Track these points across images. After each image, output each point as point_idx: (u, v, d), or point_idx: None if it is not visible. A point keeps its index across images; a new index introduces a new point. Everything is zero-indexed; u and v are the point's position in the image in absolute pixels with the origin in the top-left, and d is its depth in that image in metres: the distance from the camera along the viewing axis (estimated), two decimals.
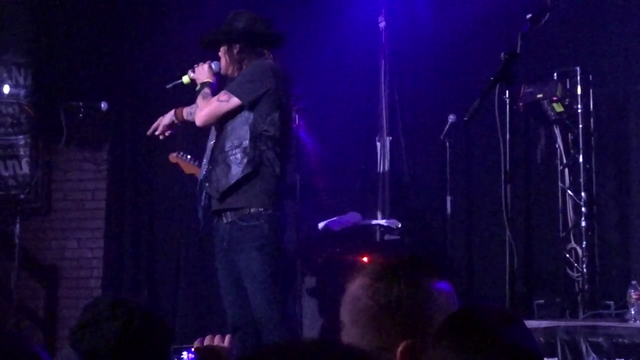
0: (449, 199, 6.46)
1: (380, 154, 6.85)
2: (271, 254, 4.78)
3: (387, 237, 6.37)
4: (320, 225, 6.32)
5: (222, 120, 4.95)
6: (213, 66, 5.10)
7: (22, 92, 7.76)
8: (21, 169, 7.73)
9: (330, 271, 6.14)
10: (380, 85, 6.87)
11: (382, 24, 6.87)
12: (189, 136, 6.37)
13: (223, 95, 4.94)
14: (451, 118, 6.42)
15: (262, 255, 4.76)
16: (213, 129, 5.09)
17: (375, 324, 1.89)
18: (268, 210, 4.81)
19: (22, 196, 7.20)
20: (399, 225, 6.41)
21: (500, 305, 5.85)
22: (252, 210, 4.81)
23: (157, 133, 5.27)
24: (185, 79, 5.20)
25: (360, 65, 7.03)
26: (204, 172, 5.02)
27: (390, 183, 6.82)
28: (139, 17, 7.51)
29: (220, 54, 5.07)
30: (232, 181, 4.82)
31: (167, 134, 5.28)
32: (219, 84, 5.10)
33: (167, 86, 5.32)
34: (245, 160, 4.82)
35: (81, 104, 6.43)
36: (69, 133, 6.64)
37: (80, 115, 6.44)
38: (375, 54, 6.89)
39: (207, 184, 4.96)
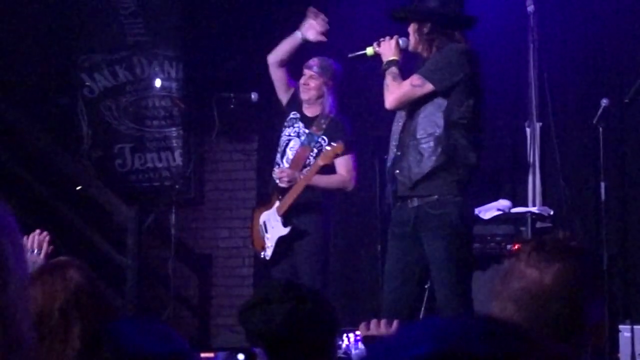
0: (603, 185, 6.27)
1: (530, 140, 6.73)
2: (458, 242, 4.69)
3: (538, 224, 6.24)
4: None
5: (413, 105, 4.81)
6: (400, 42, 4.92)
7: (174, 85, 7.96)
8: (174, 160, 7.93)
9: (481, 259, 6.06)
10: (529, 70, 6.74)
11: (530, 8, 6.73)
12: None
13: (417, 79, 4.78)
14: (604, 102, 6.23)
15: (449, 243, 4.68)
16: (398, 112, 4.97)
17: (536, 301, 1.87)
18: (457, 197, 4.71)
19: (177, 187, 7.38)
20: (551, 213, 6.28)
21: None
22: (441, 197, 4.72)
23: None
24: (370, 50, 5.01)
25: (509, 50, 6.92)
26: (392, 157, 4.92)
27: (541, 169, 6.70)
28: (290, 3, 7.54)
29: (410, 30, 4.89)
30: (426, 171, 4.71)
31: None
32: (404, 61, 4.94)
33: (350, 55, 5.20)
34: (439, 150, 4.69)
35: (232, 95, 6.53)
36: (220, 124, 6.76)
37: (232, 106, 6.54)
38: (524, 38, 6.76)
39: (397, 171, 4.84)
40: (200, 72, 7.83)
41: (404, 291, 4.80)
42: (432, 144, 4.72)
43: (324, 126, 5.96)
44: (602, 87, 6.53)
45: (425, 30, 4.85)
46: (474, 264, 5.14)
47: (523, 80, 6.76)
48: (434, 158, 4.71)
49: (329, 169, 5.90)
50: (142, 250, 7.40)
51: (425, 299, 5.47)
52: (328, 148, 5.78)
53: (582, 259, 1.93)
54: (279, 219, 5.91)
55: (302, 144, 5.99)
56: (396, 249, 4.86)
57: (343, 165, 5.90)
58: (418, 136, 4.76)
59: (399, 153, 4.86)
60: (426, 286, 5.27)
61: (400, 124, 4.92)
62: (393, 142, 4.93)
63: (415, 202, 4.78)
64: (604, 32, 6.80)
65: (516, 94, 6.94)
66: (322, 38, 5.91)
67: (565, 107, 6.85)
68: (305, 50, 6.10)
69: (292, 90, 6.11)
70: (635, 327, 5.62)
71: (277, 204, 5.95)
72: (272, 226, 5.95)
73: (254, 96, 6.38)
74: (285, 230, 5.87)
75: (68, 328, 2.33)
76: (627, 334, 5.62)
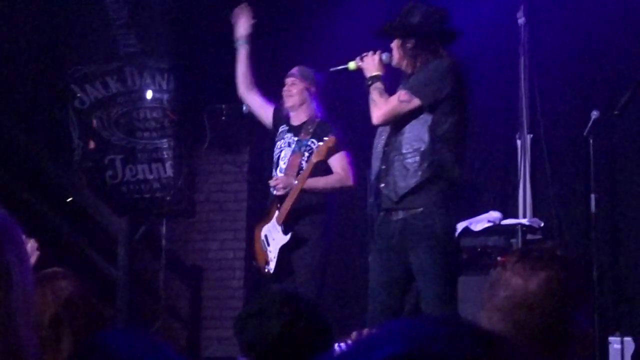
0: (593, 196, 6.29)
1: (521, 152, 6.74)
2: (443, 253, 4.71)
3: (529, 236, 6.25)
4: (461, 225, 6.26)
5: (398, 120, 4.83)
6: (383, 57, 4.95)
7: (166, 96, 7.96)
8: (165, 172, 7.93)
9: (471, 271, 6.07)
10: (520, 81, 6.76)
11: (521, 20, 6.76)
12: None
13: (404, 95, 4.79)
14: (594, 114, 6.25)
15: (435, 254, 4.69)
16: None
17: (520, 309, 1.88)
18: (441, 209, 4.72)
19: (168, 198, 7.37)
20: (542, 225, 6.29)
21: None
22: (425, 209, 4.73)
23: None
24: (352, 65, 5.05)
25: (500, 61, 6.94)
26: (376, 171, 4.93)
27: (531, 181, 6.71)
28: (279, 15, 7.55)
29: (393, 46, 4.92)
30: (412, 185, 4.72)
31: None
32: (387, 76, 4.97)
33: (331, 69, 5.23)
34: (425, 165, 4.71)
35: (223, 106, 6.53)
36: (211, 136, 6.76)
37: (223, 118, 6.54)
38: (515, 50, 6.78)
39: (382, 185, 4.86)
40: (191, 84, 7.83)
41: (389, 304, 4.81)
42: (417, 158, 4.74)
43: (311, 130, 5.96)
44: (593, 99, 6.56)
45: (409, 46, 4.87)
46: (460, 275, 5.15)
47: (514, 92, 6.78)
48: (419, 173, 4.73)
49: (325, 171, 5.88)
50: (132, 262, 7.39)
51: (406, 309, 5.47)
52: (320, 144, 5.77)
53: (567, 268, 1.93)
54: (279, 228, 5.89)
55: (293, 151, 5.99)
56: (380, 262, 4.88)
57: (337, 163, 5.90)
58: (403, 151, 4.77)
59: (383, 167, 4.87)
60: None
61: (383, 138, 4.93)
62: (376, 156, 4.95)
63: (400, 215, 4.80)
64: (594, 45, 6.82)
65: (507, 105, 6.95)
66: (252, 21, 5.99)
67: (556, 118, 6.87)
68: (287, 66, 6.14)
69: (272, 110, 6.14)
70: (625, 339, 5.63)
71: (276, 213, 5.93)
72: (274, 238, 5.93)
73: (245, 108, 6.38)
74: (286, 238, 5.85)
75: (59, 339, 2.33)
76: (617, 346, 5.63)
